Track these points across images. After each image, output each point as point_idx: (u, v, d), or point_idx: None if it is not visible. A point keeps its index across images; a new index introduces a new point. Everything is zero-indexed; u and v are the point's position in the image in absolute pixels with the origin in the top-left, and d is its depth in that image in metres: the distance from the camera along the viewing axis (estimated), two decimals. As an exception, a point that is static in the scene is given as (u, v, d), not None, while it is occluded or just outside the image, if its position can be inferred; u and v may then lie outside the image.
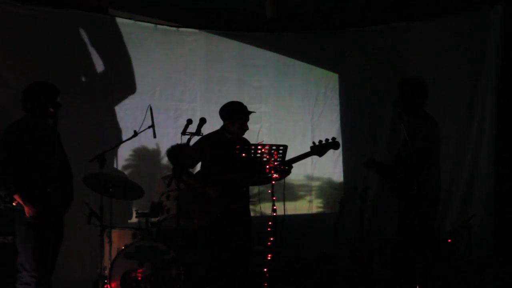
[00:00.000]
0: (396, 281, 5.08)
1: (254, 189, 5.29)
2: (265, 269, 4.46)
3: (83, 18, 6.43)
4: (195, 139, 4.77)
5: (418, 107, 4.86)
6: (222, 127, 4.93)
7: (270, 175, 4.51)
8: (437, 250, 5.51)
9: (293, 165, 4.74)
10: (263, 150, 4.51)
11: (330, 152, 7.01)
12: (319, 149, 4.70)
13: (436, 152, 4.86)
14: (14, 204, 4.21)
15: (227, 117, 4.84)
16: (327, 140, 4.68)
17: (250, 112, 4.87)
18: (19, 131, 4.28)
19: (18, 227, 4.28)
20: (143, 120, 5.24)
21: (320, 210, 7.19)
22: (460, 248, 5.75)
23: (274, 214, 4.84)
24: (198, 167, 5.38)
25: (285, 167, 4.62)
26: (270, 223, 4.49)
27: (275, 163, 4.45)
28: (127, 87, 6.73)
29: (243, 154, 4.41)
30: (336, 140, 4.72)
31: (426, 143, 4.72)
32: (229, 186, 4.70)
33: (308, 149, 4.77)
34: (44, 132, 4.36)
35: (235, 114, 4.81)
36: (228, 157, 4.67)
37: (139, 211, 5.72)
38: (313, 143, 4.70)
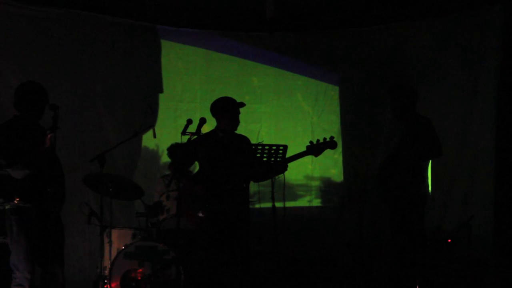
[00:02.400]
0: (396, 281, 5.08)
1: (254, 189, 5.30)
2: (265, 269, 4.46)
3: (83, 18, 6.43)
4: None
5: (409, 112, 4.90)
6: (216, 127, 4.92)
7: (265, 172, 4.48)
8: (436, 250, 5.53)
9: (292, 164, 4.72)
10: (263, 150, 4.51)
11: (330, 152, 7.10)
12: (315, 149, 4.63)
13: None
14: (6, 206, 4.23)
15: (217, 113, 4.81)
16: (324, 139, 4.63)
17: (240, 105, 4.80)
18: (9, 131, 4.27)
19: (9, 227, 4.29)
20: (143, 120, 5.25)
21: (320, 210, 7.19)
22: (460, 248, 5.74)
23: (273, 213, 4.84)
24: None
25: (281, 164, 4.59)
26: (268, 224, 4.48)
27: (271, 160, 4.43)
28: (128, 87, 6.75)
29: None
30: (334, 139, 4.65)
31: (425, 144, 4.78)
32: (217, 186, 4.67)
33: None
34: (35, 132, 4.35)
35: (224, 109, 4.78)
36: (219, 156, 4.67)
37: (139, 211, 5.73)
38: (310, 142, 4.65)
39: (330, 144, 4.62)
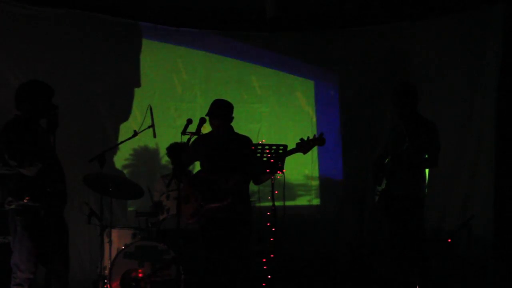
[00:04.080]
0: (396, 281, 5.08)
1: (254, 189, 5.30)
2: (265, 269, 4.45)
3: (83, 18, 6.43)
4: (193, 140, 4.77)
5: (412, 112, 4.90)
6: None
7: (263, 172, 4.47)
8: (436, 250, 5.53)
9: (293, 164, 4.71)
10: (263, 150, 4.50)
11: (330, 152, 7.13)
12: (303, 146, 4.55)
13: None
14: (11, 206, 4.23)
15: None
16: (314, 136, 4.56)
17: (211, 112, 4.71)
18: (14, 132, 4.26)
19: (13, 228, 4.28)
20: (143, 120, 5.25)
21: (320, 210, 7.19)
22: (460, 248, 5.75)
23: (272, 213, 4.83)
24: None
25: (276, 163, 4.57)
26: (268, 224, 4.48)
27: (270, 159, 4.40)
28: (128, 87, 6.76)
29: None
30: (323, 136, 4.57)
31: (425, 145, 4.78)
32: (214, 186, 4.67)
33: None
34: (36, 132, 4.34)
35: (209, 111, 4.79)
36: (217, 156, 4.67)
37: (139, 211, 5.73)
38: (301, 139, 4.58)
39: (318, 141, 4.56)
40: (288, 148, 4.59)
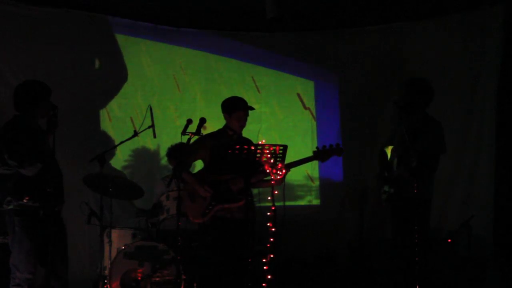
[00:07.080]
0: (396, 281, 5.08)
1: (254, 189, 5.30)
2: (265, 269, 4.45)
3: (83, 18, 6.43)
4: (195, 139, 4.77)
5: (419, 108, 4.87)
6: (225, 125, 4.94)
7: (268, 177, 4.49)
8: (436, 250, 5.53)
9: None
10: (263, 150, 4.50)
11: (330, 152, 7.11)
12: (321, 155, 4.71)
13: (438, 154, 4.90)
14: (9, 207, 4.23)
15: (226, 110, 4.85)
16: (331, 146, 4.70)
17: (249, 107, 4.86)
18: (14, 132, 4.26)
19: (11, 228, 4.28)
20: (143, 120, 5.25)
21: (320, 210, 7.18)
22: (460, 248, 5.75)
23: (272, 214, 4.84)
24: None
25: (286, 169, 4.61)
26: (269, 224, 4.48)
27: (278, 164, 4.43)
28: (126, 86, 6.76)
29: (236, 152, 4.38)
30: (341, 146, 4.72)
31: (428, 144, 4.76)
32: (223, 186, 4.68)
33: (309, 151, 4.78)
34: (35, 132, 4.35)
35: (234, 107, 4.82)
36: (227, 154, 4.67)
37: (139, 211, 5.73)
38: (317, 148, 4.72)
39: (336, 151, 4.72)
40: (293, 149, 4.62)
